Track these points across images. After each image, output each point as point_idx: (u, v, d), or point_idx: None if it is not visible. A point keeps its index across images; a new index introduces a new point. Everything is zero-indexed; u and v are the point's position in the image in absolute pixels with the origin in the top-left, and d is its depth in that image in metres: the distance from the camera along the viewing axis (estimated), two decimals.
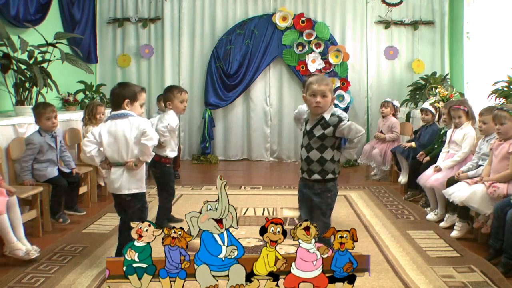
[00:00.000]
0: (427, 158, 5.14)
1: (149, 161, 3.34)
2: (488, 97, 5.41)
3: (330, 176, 3.16)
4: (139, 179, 3.29)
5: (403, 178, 5.94)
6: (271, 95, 8.57)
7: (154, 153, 3.34)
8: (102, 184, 5.45)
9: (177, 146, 4.39)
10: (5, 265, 3.40)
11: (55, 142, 4.51)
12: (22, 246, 3.43)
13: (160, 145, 4.05)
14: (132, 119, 3.24)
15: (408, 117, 7.38)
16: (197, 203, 5.23)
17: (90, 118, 5.42)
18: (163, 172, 4.29)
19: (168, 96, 4.26)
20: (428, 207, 4.90)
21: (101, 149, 3.24)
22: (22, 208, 3.93)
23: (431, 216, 4.63)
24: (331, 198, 3.21)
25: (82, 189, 5.03)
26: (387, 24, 8.34)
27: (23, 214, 3.90)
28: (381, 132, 6.80)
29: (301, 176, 3.28)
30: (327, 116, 3.15)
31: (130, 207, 3.29)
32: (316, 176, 3.16)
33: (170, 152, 4.24)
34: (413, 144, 5.76)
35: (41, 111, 4.42)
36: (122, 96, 3.27)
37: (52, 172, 4.43)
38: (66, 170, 4.61)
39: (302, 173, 3.25)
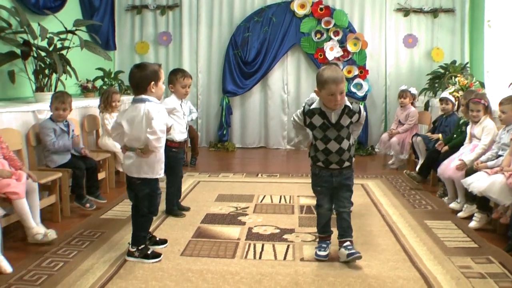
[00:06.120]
0: (446, 147, 5.09)
1: (156, 151, 3.27)
2: (509, 86, 5.34)
3: (353, 159, 3.33)
4: (150, 164, 3.25)
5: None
6: (289, 83, 8.55)
7: (159, 145, 3.24)
8: (120, 170, 5.48)
9: (186, 129, 4.33)
10: (24, 249, 3.46)
11: (68, 128, 4.57)
12: (40, 229, 3.49)
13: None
14: (148, 105, 3.18)
15: (426, 106, 7.31)
16: (214, 190, 5.26)
17: (106, 106, 5.46)
18: (168, 156, 4.19)
19: (171, 79, 4.25)
20: (446, 196, 4.86)
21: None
22: (41, 193, 3.99)
23: (454, 205, 4.57)
24: (353, 177, 3.42)
25: (100, 175, 5.06)
26: (406, 12, 8.23)
27: (42, 199, 3.96)
28: (399, 121, 6.79)
29: (324, 168, 3.29)
30: (349, 104, 3.19)
31: (139, 191, 3.29)
32: (346, 164, 3.28)
33: (176, 135, 4.19)
34: (440, 136, 5.66)
35: (52, 99, 4.51)
36: (147, 79, 3.20)
37: (64, 158, 4.50)
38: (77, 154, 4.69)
39: (329, 165, 3.27)
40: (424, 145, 5.85)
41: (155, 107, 3.22)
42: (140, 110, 3.19)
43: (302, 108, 3.32)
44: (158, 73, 3.26)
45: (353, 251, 3.23)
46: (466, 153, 4.57)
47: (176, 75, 4.23)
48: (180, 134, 4.25)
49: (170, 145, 4.15)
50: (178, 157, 4.31)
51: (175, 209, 4.38)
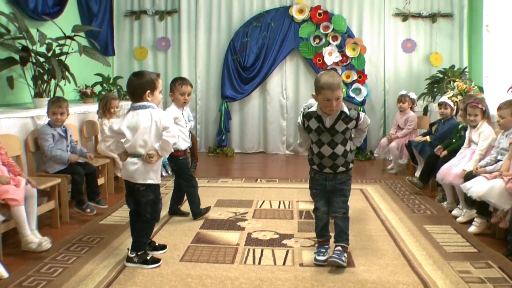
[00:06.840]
0: (445, 152, 5.09)
1: (166, 155, 3.36)
2: (508, 90, 5.35)
3: (351, 165, 3.31)
4: (155, 170, 3.28)
5: (419, 172, 5.90)
6: (288, 88, 8.55)
7: (173, 150, 3.34)
8: (119, 175, 5.47)
9: (188, 137, 4.39)
10: (23, 255, 3.45)
11: (65, 133, 4.58)
12: (35, 238, 3.48)
13: None
14: (153, 112, 3.21)
15: (425, 110, 7.31)
16: (213, 195, 5.26)
17: (104, 112, 5.49)
18: (177, 165, 4.36)
19: (170, 87, 4.32)
20: (445, 201, 4.86)
21: (122, 140, 3.23)
22: (40, 199, 3.99)
23: (456, 211, 4.56)
24: (351, 183, 3.40)
25: (100, 181, 5.06)
26: (404, 16, 8.24)
27: (41, 205, 3.97)
28: (398, 126, 6.80)
29: (319, 171, 3.32)
30: (346, 110, 3.19)
31: (143, 197, 3.28)
32: (341, 169, 3.27)
33: (181, 144, 4.24)
34: (427, 138, 5.70)
35: (49, 104, 4.51)
36: (142, 87, 3.21)
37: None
38: (80, 161, 4.66)
39: (323, 168, 3.28)
40: (418, 152, 5.86)
41: (165, 113, 3.30)
42: (145, 116, 3.20)
43: (302, 110, 3.36)
44: (155, 82, 3.28)
45: (334, 255, 3.23)
46: (465, 161, 4.56)
47: (175, 83, 4.29)
48: (184, 143, 4.30)
49: (177, 155, 4.24)
50: (186, 163, 4.41)
51: (202, 210, 4.45)
